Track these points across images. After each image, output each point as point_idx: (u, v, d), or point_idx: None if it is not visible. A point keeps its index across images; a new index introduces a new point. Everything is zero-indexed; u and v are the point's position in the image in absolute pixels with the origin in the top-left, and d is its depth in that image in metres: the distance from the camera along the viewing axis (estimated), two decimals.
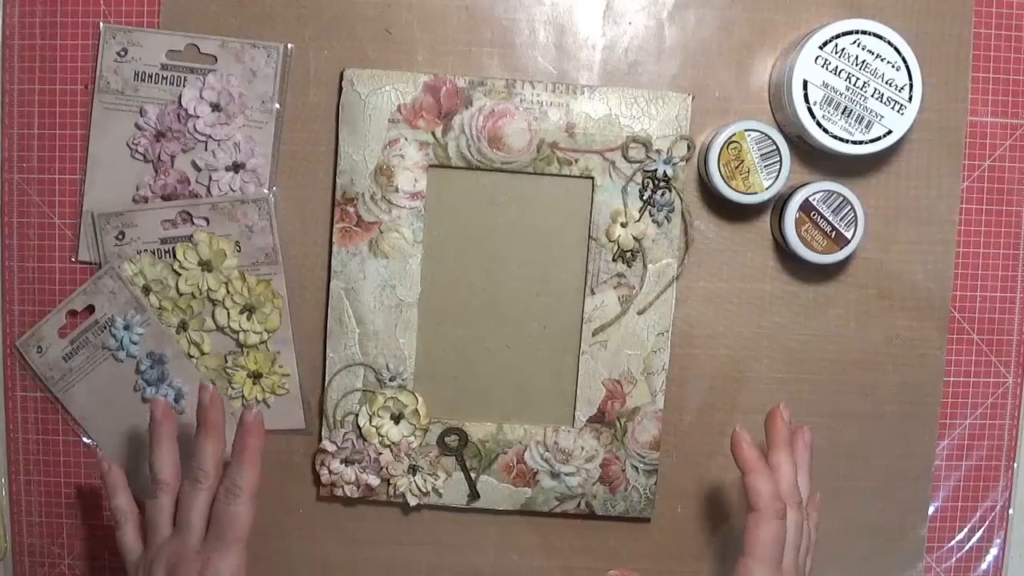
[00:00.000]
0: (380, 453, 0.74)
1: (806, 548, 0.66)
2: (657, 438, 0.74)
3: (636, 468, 0.75)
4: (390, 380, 0.74)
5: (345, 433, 0.74)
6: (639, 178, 0.72)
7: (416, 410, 0.74)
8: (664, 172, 0.72)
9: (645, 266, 0.73)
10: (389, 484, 0.75)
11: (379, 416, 0.74)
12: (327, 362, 0.74)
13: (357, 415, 0.74)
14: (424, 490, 0.75)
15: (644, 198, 0.72)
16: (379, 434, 0.74)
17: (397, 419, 0.74)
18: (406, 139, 0.72)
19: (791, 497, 0.65)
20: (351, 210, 0.73)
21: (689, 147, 0.72)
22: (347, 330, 0.74)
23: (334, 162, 0.73)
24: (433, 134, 0.72)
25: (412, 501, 0.75)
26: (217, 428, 0.66)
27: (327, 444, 0.74)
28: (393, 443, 0.74)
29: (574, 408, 0.74)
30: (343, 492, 0.75)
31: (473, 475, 0.75)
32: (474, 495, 0.75)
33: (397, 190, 0.72)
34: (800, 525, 0.65)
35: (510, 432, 0.75)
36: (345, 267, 0.73)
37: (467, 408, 0.75)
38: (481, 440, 0.75)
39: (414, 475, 0.75)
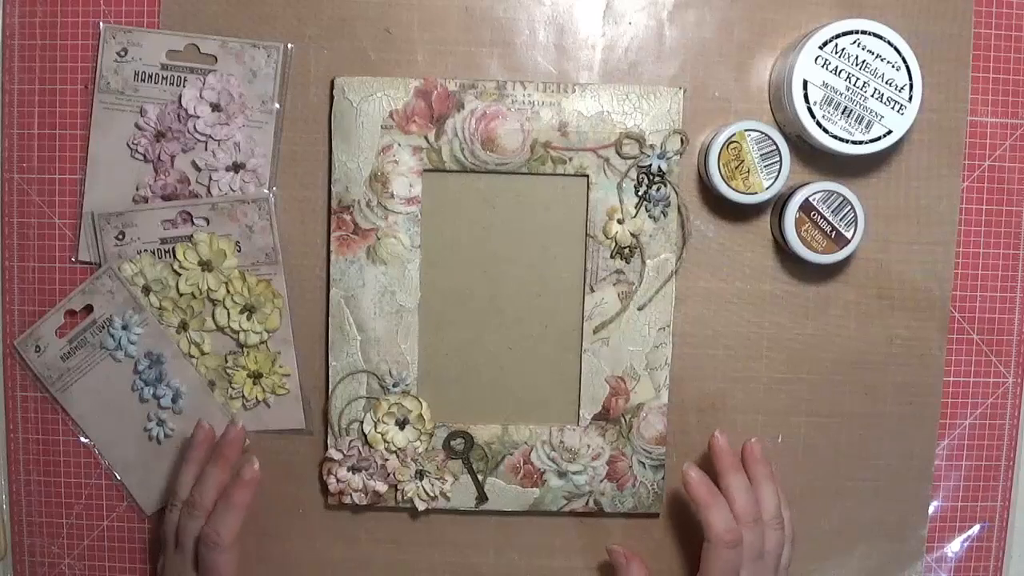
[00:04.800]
0: (387, 459, 0.74)
1: (776, 555, 0.70)
2: (663, 433, 0.74)
3: (643, 464, 0.75)
4: (393, 386, 0.74)
5: (351, 440, 0.74)
6: (634, 174, 0.72)
7: (421, 415, 0.74)
8: (659, 167, 0.72)
9: (643, 262, 0.73)
10: (397, 490, 0.75)
11: (384, 422, 0.74)
12: (330, 370, 0.74)
13: (362, 422, 0.74)
14: (432, 494, 0.75)
15: (640, 194, 0.72)
16: (385, 440, 0.74)
17: (402, 425, 0.74)
18: (399, 145, 0.72)
19: (745, 518, 0.69)
20: (347, 218, 0.72)
21: (683, 141, 0.72)
22: (348, 338, 0.74)
23: (331, 165, 0.73)
24: (426, 138, 0.72)
25: (420, 506, 0.75)
26: (228, 463, 0.72)
27: (333, 452, 0.74)
28: (399, 449, 0.74)
29: (578, 406, 0.74)
30: (351, 500, 0.75)
31: (480, 477, 0.75)
32: (482, 497, 0.75)
33: (393, 196, 0.72)
34: (757, 542, 0.69)
35: (516, 433, 0.75)
36: (344, 275, 0.73)
37: (472, 411, 0.75)
38: (487, 442, 0.75)
39: (421, 480, 0.75)
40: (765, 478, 0.72)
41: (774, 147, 0.70)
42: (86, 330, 0.74)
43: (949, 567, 0.78)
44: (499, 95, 0.72)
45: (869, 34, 0.68)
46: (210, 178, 0.73)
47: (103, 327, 0.73)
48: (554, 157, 0.72)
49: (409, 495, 0.74)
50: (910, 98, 0.69)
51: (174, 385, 0.74)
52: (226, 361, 0.74)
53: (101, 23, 0.73)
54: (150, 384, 0.74)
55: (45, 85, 0.74)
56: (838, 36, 0.68)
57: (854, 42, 0.68)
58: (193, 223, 0.73)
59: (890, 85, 0.68)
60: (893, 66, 0.68)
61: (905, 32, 0.69)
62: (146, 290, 0.73)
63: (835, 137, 0.69)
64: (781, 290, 0.75)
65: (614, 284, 0.73)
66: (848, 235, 0.71)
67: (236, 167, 0.73)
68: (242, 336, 0.74)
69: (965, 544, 0.78)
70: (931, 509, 0.77)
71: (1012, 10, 0.74)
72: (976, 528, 0.77)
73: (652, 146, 0.72)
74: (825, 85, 0.68)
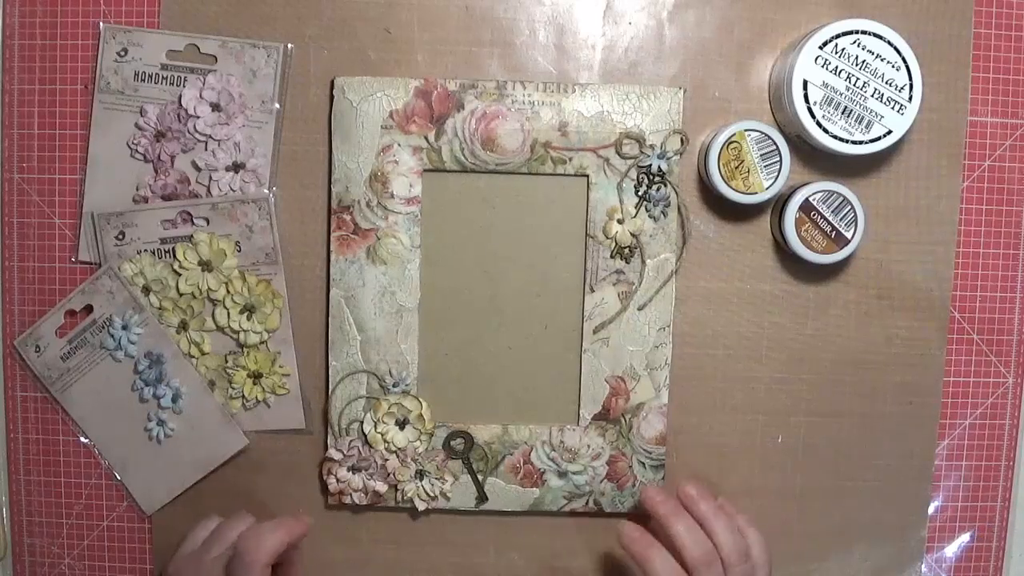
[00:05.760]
0: (387, 459, 0.74)
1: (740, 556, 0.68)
2: (663, 433, 0.74)
3: (643, 464, 0.75)
4: (393, 386, 0.74)
5: (351, 440, 0.74)
6: (634, 174, 0.72)
7: (421, 415, 0.74)
8: (659, 167, 0.72)
9: (643, 262, 0.73)
10: (397, 490, 0.75)
11: (384, 422, 0.74)
12: (330, 370, 0.74)
13: (362, 422, 0.74)
14: (432, 494, 0.75)
15: (640, 194, 0.72)
16: (385, 440, 0.74)
17: (402, 425, 0.74)
18: (399, 145, 0.72)
19: (696, 563, 0.66)
20: (347, 218, 0.72)
21: (682, 141, 0.72)
22: (348, 338, 0.74)
23: (331, 165, 0.73)
24: (426, 138, 0.72)
25: (420, 506, 0.75)
26: (291, 536, 0.69)
27: (333, 452, 0.74)
28: (399, 449, 0.74)
29: (579, 406, 0.74)
30: (351, 500, 0.75)
31: (480, 477, 0.75)
32: (482, 497, 0.75)
33: (393, 196, 0.72)
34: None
35: (515, 433, 0.74)
36: (344, 275, 0.73)
37: (472, 411, 0.75)
38: (487, 442, 0.75)
39: (421, 480, 0.75)
40: (713, 515, 0.69)
41: (774, 147, 0.70)
42: (86, 330, 0.74)
43: (948, 567, 0.78)
44: (499, 95, 0.72)
45: (869, 34, 0.68)
46: (210, 178, 0.73)
47: (103, 327, 0.73)
48: (554, 157, 0.72)
49: (409, 495, 0.74)
50: (910, 98, 0.69)
51: (174, 385, 0.74)
52: (226, 361, 0.74)
53: (101, 23, 0.73)
54: (150, 384, 0.74)
55: (45, 85, 0.74)
56: (838, 36, 0.68)
57: (854, 42, 0.68)
58: (193, 223, 0.73)
59: (890, 85, 0.68)
60: (893, 66, 0.68)
61: (905, 32, 0.68)
62: (146, 290, 0.73)
63: (835, 137, 0.69)
64: (781, 290, 0.75)
65: (614, 284, 0.73)
66: (848, 235, 0.71)
67: (236, 167, 0.73)
68: (242, 336, 0.74)
69: (965, 544, 0.78)
70: (931, 509, 0.77)
71: (1012, 10, 0.74)
72: (967, 536, 0.77)
73: (652, 146, 0.72)
74: (825, 85, 0.68)
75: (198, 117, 0.72)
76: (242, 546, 0.67)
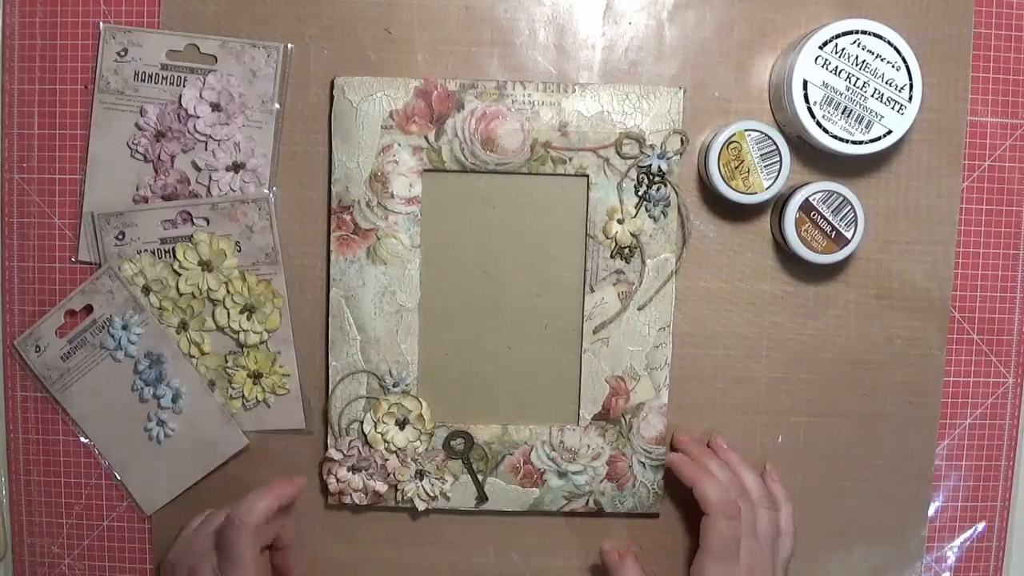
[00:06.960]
0: (387, 459, 0.74)
1: (769, 537, 0.70)
2: (663, 433, 0.74)
3: (643, 464, 0.75)
4: (393, 386, 0.74)
5: (351, 440, 0.74)
6: (634, 174, 0.72)
7: (421, 415, 0.74)
8: (659, 167, 0.72)
9: (643, 262, 0.73)
10: (397, 490, 0.75)
11: (384, 422, 0.74)
12: (330, 370, 0.74)
13: (362, 422, 0.74)
14: (432, 494, 0.75)
15: (640, 194, 0.72)
16: (385, 440, 0.74)
17: (402, 425, 0.74)
18: (399, 145, 0.72)
19: (731, 491, 0.69)
20: (348, 218, 0.72)
21: (682, 141, 0.72)
22: (348, 338, 0.74)
23: (331, 165, 0.73)
24: (426, 138, 0.72)
25: (420, 506, 0.75)
26: (280, 499, 0.70)
27: (333, 452, 0.74)
28: (399, 449, 0.74)
29: (579, 406, 0.74)
30: (351, 500, 0.75)
31: (480, 477, 0.75)
32: (482, 497, 0.75)
33: (393, 196, 0.72)
34: (749, 516, 0.69)
35: (516, 433, 0.74)
36: (344, 275, 0.73)
37: (472, 411, 0.75)
38: (487, 442, 0.75)
39: (421, 480, 0.75)
40: (739, 463, 0.73)
41: (774, 147, 0.70)
42: (86, 330, 0.74)
43: (949, 567, 0.78)
44: (499, 95, 0.72)
45: (869, 34, 0.68)
46: (210, 178, 0.73)
47: (103, 327, 0.73)
48: (554, 157, 0.72)
49: (409, 495, 0.74)
50: (910, 98, 0.69)
51: (174, 385, 0.74)
52: (226, 361, 0.74)
53: (101, 23, 0.73)
54: (150, 384, 0.74)
55: (45, 85, 0.74)
56: (838, 36, 0.68)
57: (854, 42, 0.68)
58: (193, 223, 0.73)
59: (890, 85, 0.68)
60: (893, 66, 0.68)
61: (905, 32, 0.69)
62: (146, 290, 0.73)
63: (835, 137, 0.69)
64: (781, 290, 0.75)
65: (614, 284, 0.73)
66: (848, 235, 0.71)
67: (236, 167, 0.73)
68: (242, 336, 0.74)
69: (965, 544, 0.78)
70: (931, 509, 0.77)
71: (1012, 10, 0.74)
72: (982, 526, 0.77)
73: (652, 146, 0.72)
74: (825, 85, 0.68)
75: (198, 117, 0.72)
76: (232, 511, 0.68)
